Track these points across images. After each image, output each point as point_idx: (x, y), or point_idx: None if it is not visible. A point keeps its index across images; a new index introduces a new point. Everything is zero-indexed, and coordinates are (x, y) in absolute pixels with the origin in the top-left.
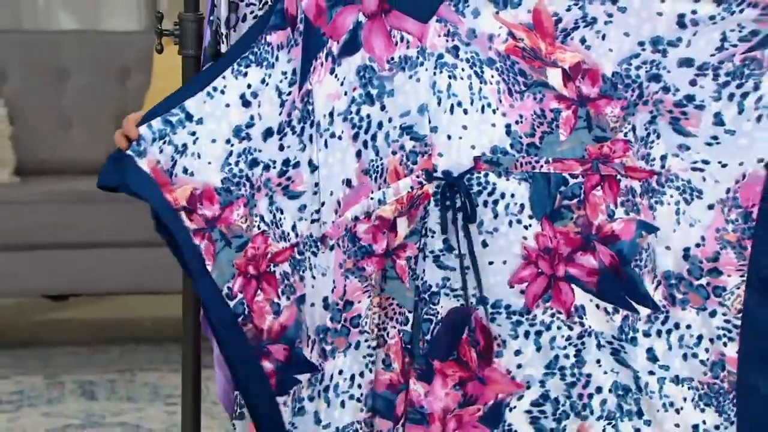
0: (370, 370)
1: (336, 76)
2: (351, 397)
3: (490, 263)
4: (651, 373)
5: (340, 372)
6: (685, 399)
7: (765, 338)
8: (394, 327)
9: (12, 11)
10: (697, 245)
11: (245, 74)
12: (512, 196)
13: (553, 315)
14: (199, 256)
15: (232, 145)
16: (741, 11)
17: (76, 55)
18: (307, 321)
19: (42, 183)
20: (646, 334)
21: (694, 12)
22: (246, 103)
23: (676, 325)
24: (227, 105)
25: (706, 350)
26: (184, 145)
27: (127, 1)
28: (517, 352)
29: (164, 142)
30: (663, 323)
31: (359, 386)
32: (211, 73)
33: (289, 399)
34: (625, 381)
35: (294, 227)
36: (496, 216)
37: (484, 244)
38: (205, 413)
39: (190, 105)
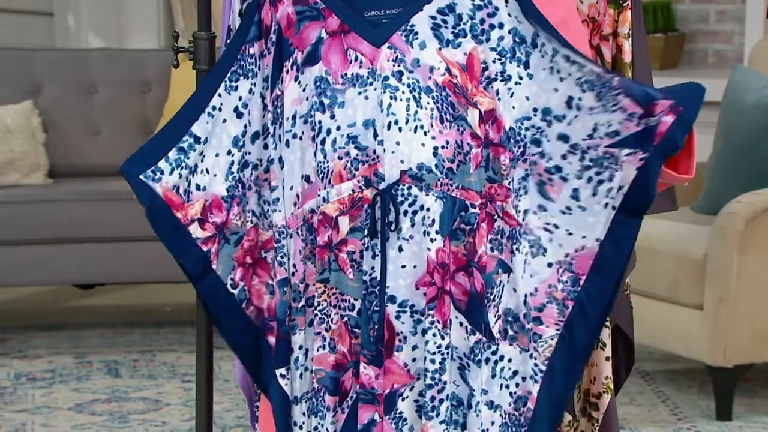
0: (318, 348)
1: (299, 83)
2: (306, 369)
3: (403, 266)
4: (481, 393)
5: (300, 347)
6: (492, 423)
7: (559, 387)
8: (338, 313)
9: (47, 32)
10: (530, 294)
11: (236, 88)
12: (428, 210)
13: (432, 322)
14: (207, 259)
15: (232, 155)
16: (613, 111)
17: (103, 70)
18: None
19: (72, 184)
20: (484, 360)
21: (580, 99)
22: (239, 115)
23: (501, 357)
24: (224, 120)
25: (517, 385)
26: (195, 165)
27: (148, 23)
28: (414, 347)
29: (181, 168)
30: (493, 353)
31: (312, 359)
32: (206, 92)
33: (288, 372)
34: (461, 395)
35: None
36: (413, 225)
37: (400, 249)
38: (217, 390)
39: (196, 129)
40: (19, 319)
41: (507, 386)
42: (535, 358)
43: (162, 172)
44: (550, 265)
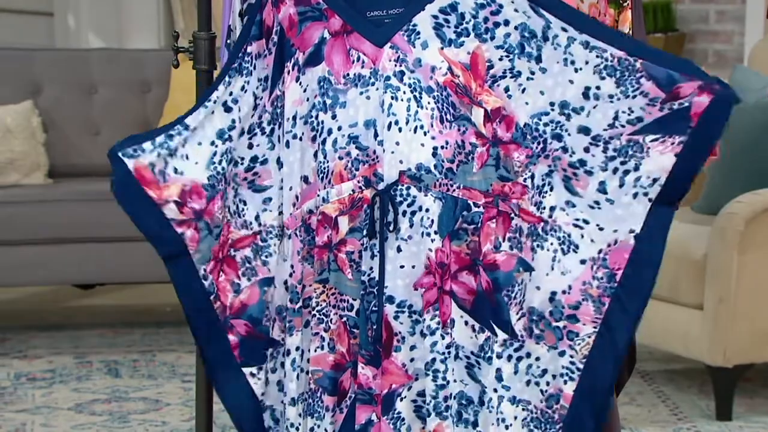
0: (316, 349)
1: (300, 83)
2: (302, 370)
3: (401, 267)
4: (495, 390)
5: (297, 348)
6: (515, 418)
7: (600, 384)
8: (337, 314)
9: (47, 32)
10: (564, 292)
11: (230, 84)
12: (427, 210)
13: (438, 323)
14: (182, 241)
15: (216, 146)
16: (634, 97)
17: (103, 70)
18: (271, 301)
19: (72, 184)
20: (499, 356)
21: (598, 87)
22: (228, 109)
23: (528, 354)
24: (212, 112)
25: (547, 383)
26: (176, 149)
27: (148, 23)
28: (413, 348)
29: (161, 149)
30: (516, 350)
31: (308, 360)
32: (209, 89)
33: (259, 372)
34: (470, 393)
35: (257, 217)
36: (411, 225)
37: (399, 249)
38: None
39: (189, 119)
40: (19, 319)
41: (537, 383)
42: (572, 356)
43: (143, 151)
44: (583, 262)
